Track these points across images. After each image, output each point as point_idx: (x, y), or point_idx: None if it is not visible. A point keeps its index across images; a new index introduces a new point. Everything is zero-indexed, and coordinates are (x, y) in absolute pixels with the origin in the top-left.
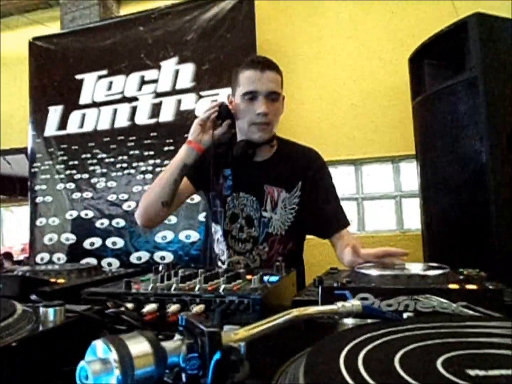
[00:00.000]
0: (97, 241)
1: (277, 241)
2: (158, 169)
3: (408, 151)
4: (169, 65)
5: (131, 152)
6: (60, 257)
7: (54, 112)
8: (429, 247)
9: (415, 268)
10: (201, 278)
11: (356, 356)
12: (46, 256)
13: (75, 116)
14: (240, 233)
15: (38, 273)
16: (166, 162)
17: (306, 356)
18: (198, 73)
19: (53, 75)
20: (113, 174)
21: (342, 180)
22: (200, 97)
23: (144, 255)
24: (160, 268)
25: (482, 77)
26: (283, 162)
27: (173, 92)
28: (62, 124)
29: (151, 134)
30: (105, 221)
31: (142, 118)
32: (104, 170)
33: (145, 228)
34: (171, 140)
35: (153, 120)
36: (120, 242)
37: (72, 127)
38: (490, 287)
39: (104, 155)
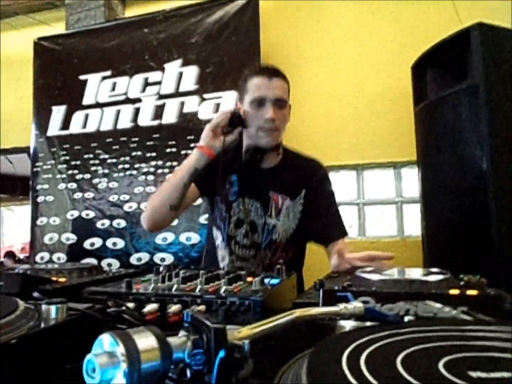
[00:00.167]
0: (98, 242)
1: (280, 248)
2: (160, 171)
3: (410, 157)
4: (173, 67)
5: (134, 153)
6: (60, 257)
7: (58, 112)
8: (429, 253)
9: (416, 273)
10: (202, 279)
11: (359, 357)
12: (46, 255)
13: (78, 117)
14: (245, 239)
15: (39, 272)
16: (168, 163)
17: (309, 356)
18: (201, 76)
19: (57, 75)
20: (115, 175)
21: (344, 185)
22: (203, 99)
23: (144, 256)
24: (161, 269)
25: (484, 85)
26: (288, 170)
27: (177, 94)
28: (65, 124)
29: (154, 135)
30: (106, 222)
31: (145, 119)
32: (106, 171)
33: (151, 232)
34: (173, 142)
35: (156, 122)
36: (120, 243)
37: (75, 127)
38: (491, 293)
39: (107, 156)
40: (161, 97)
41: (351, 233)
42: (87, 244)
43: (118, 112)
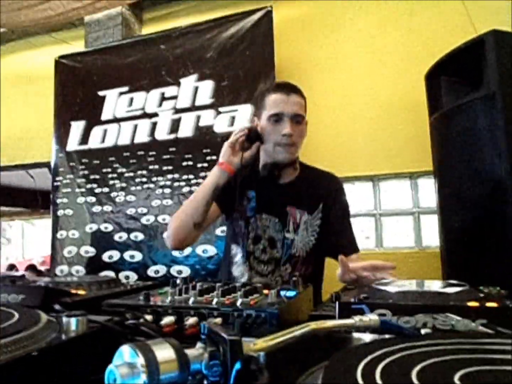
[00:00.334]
0: (116, 254)
1: (299, 262)
2: (176, 184)
3: (426, 167)
4: (188, 82)
5: (151, 167)
6: (79, 270)
7: (77, 128)
8: (448, 264)
9: (434, 285)
10: (219, 292)
11: (374, 369)
12: (65, 268)
13: (96, 131)
14: (263, 254)
15: (59, 285)
16: (184, 176)
17: (324, 368)
18: (217, 90)
19: (76, 92)
20: (133, 188)
21: (360, 196)
22: (219, 113)
23: (162, 269)
24: (178, 281)
25: (500, 93)
26: (305, 185)
27: (193, 108)
28: (84, 139)
29: (170, 149)
30: (124, 235)
31: (162, 133)
32: (124, 185)
33: (175, 250)
34: (189, 156)
35: (172, 136)
36: (138, 256)
37: (94, 142)
38: (511, 305)
39: (124, 170)
40: (177, 111)
41: (369, 245)
42: (105, 257)
43: (135, 126)
